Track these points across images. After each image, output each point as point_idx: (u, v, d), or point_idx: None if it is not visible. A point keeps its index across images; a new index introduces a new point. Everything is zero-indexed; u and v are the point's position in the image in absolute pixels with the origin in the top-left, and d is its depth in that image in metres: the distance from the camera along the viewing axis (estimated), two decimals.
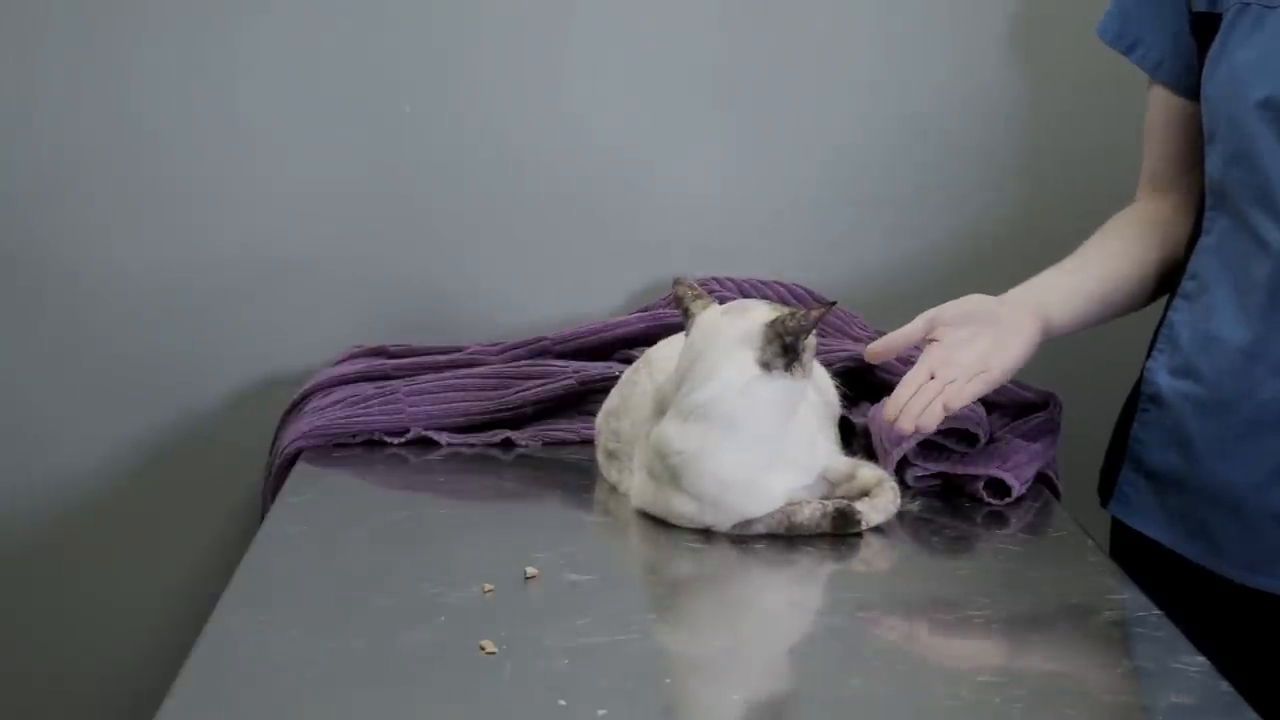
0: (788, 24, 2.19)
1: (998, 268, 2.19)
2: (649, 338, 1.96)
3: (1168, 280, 1.79)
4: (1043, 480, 1.79)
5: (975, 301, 1.71)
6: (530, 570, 1.48)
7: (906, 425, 1.61)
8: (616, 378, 1.88)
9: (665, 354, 1.73)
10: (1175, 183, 1.79)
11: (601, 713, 1.20)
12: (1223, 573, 1.67)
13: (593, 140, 2.19)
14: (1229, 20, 1.64)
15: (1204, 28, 1.69)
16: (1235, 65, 1.62)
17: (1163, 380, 1.72)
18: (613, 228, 2.21)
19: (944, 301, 1.73)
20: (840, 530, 1.59)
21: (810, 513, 1.59)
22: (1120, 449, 1.78)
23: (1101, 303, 1.76)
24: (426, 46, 2.17)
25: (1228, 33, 1.64)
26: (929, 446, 1.75)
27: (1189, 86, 1.74)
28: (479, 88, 2.18)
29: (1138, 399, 1.76)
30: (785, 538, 1.58)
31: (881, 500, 1.63)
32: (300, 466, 1.86)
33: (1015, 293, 1.73)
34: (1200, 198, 1.74)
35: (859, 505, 1.60)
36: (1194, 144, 1.75)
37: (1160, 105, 1.79)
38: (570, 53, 2.18)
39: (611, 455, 1.75)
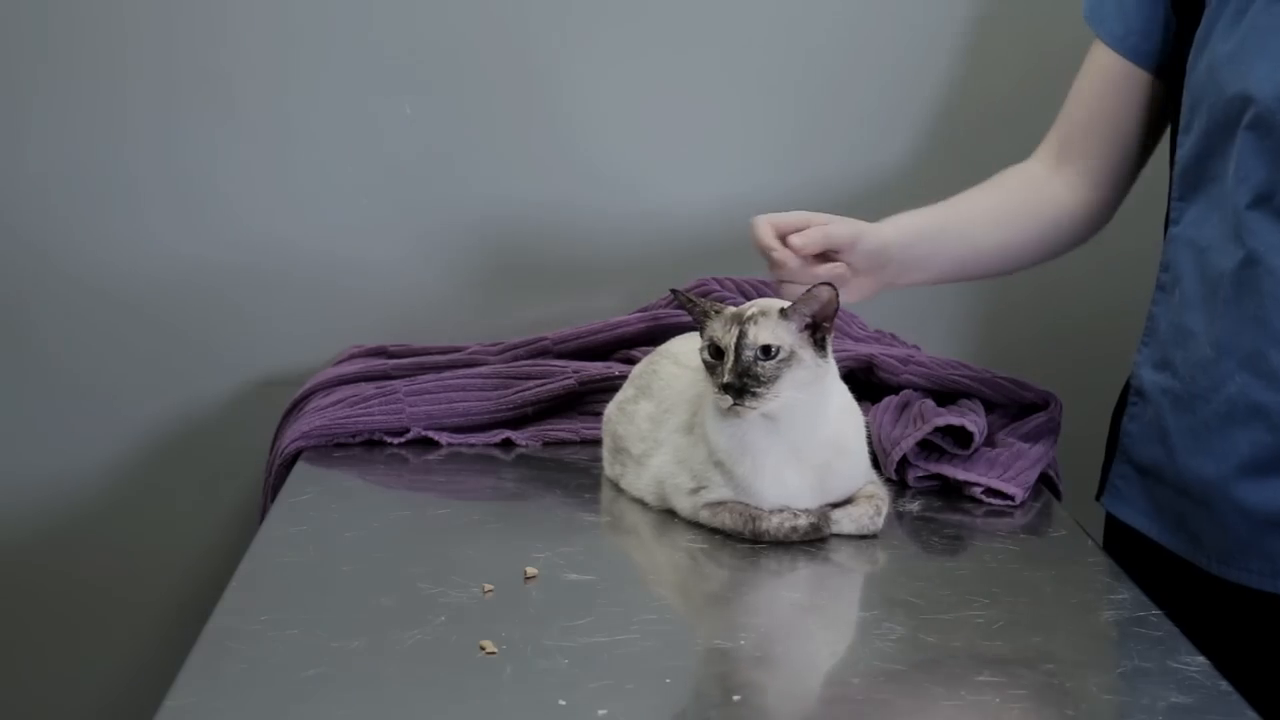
0: (780, 42, 2.21)
1: None
2: (648, 338, 1.98)
3: (1038, 251, 1.82)
4: (1043, 480, 1.80)
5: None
6: (530, 570, 1.47)
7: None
8: (616, 377, 1.89)
9: (684, 349, 1.72)
10: (1083, 151, 1.80)
11: (602, 712, 1.20)
12: (1200, 564, 1.68)
13: (592, 143, 2.21)
14: (1213, 9, 1.64)
15: (1187, 12, 1.69)
16: (1215, 57, 1.62)
17: (1146, 374, 1.73)
18: (613, 230, 2.23)
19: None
20: (809, 539, 1.58)
21: (779, 522, 1.58)
22: (1114, 443, 1.79)
23: (940, 241, 1.77)
24: (427, 52, 2.19)
25: (1212, 22, 1.64)
26: (927, 447, 1.76)
27: (1152, 64, 1.75)
28: (479, 92, 2.20)
29: (1129, 393, 1.77)
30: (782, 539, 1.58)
31: (857, 510, 1.60)
32: (301, 466, 1.86)
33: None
34: (1103, 179, 1.78)
35: (834, 514, 1.59)
36: (1124, 113, 1.77)
37: (1107, 69, 1.78)
38: (571, 59, 2.20)
39: (617, 451, 1.74)
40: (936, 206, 1.79)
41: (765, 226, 1.66)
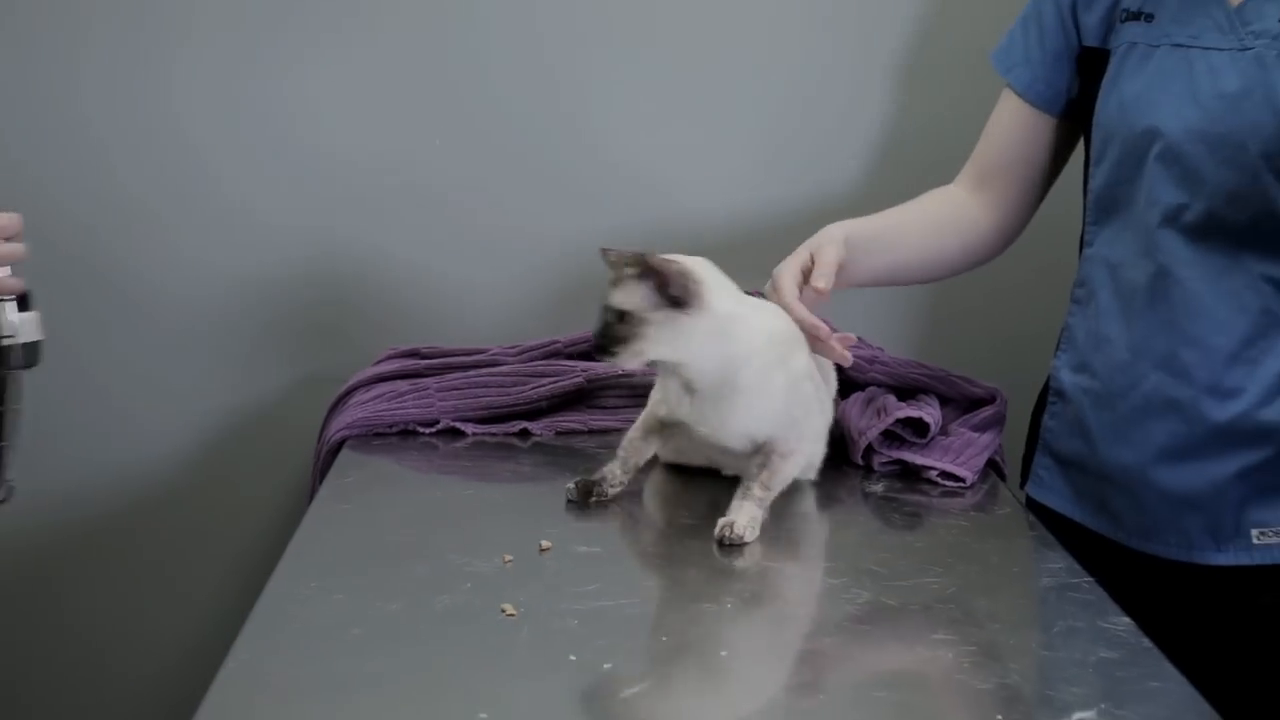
0: (776, 59, 2.24)
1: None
2: None
3: (958, 262, 1.87)
4: (990, 465, 1.84)
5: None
6: (545, 543, 1.51)
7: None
8: (619, 374, 1.94)
9: None
10: (996, 178, 1.84)
11: (607, 666, 1.25)
12: (1122, 541, 1.73)
13: (598, 171, 2.25)
14: (1119, 56, 1.70)
15: (1091, 61, 1.74)
16: (1124, 96, 1.68)
17: (1065, 377, 1.77)
18: (617, 243, 2.22)
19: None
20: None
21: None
22: (1034, 438, 1.83)
23: (875, 246, 1.79)
24: (456, 83, 2.23)
25: (1119, 67, 1.69)
26: (890, 436, 1.81)
27: (1057, 110, 1.80)
28: (501, 119, 2.24)
29: (1048, 394, 1.82)
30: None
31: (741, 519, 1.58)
32: (345, 453, 1.89)
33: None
34: (1013, 206, 1.83)
35: (739, 529, 1.55)
36: (1033, 152, 1.82)
37: (1015, 111, 1.83)
38: (585, 83, 2.23)
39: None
40: (873, 216, 1.81)
41: (792, 299, 1.67)
